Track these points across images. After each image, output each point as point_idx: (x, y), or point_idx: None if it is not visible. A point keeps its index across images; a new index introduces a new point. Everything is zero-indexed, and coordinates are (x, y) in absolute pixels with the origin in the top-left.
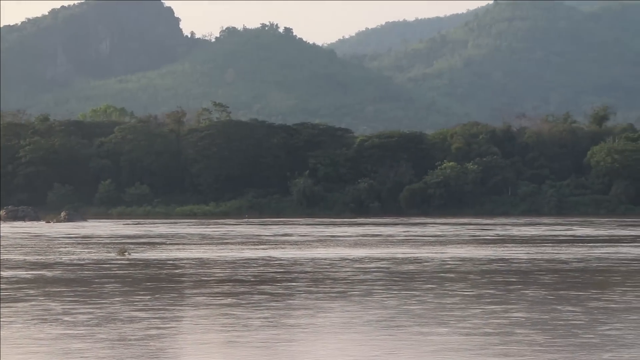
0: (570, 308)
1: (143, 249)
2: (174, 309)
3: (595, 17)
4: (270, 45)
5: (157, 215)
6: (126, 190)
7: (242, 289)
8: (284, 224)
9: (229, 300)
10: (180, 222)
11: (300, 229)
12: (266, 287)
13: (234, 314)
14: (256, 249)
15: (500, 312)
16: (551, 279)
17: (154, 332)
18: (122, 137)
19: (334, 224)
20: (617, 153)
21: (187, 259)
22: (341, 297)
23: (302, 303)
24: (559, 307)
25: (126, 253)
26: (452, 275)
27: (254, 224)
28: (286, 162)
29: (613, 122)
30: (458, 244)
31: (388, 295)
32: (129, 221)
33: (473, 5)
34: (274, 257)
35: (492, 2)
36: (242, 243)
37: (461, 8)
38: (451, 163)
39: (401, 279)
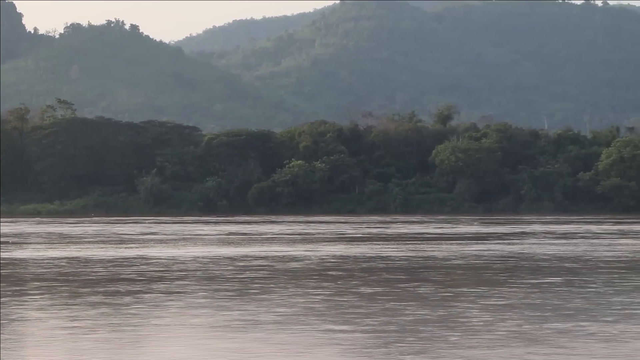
0: (468, 305)
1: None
2: (76, 308)
3: (439, 18)
4: (116, 42)
5: None
6: None
7: (137, 288)
8: (135, 222)
9: (127, 299)
10: (25, 221)
11: (161, 227)
12: (160, 286)
13: (138, 314)
14: (129, 247)
15: (401, 310)
16: (438, 275)
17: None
18: None
19: (192, 222)
20: (461, 152)
21: (66, 257)
22: (241, 295)
23: (203, 302)
24: (456, 304)
25: None
26: (339, 273)
27: (105, 222)
28: (133, 160)
29: (457, 121)
30: (326, 241)
31: (287, 294)
32: None
33: (320, 5)
34: (153, 256)
35: (338, 1)
36: (107, 242)
37: (308, 7)
38: (299, 161)
39: (290, 277)
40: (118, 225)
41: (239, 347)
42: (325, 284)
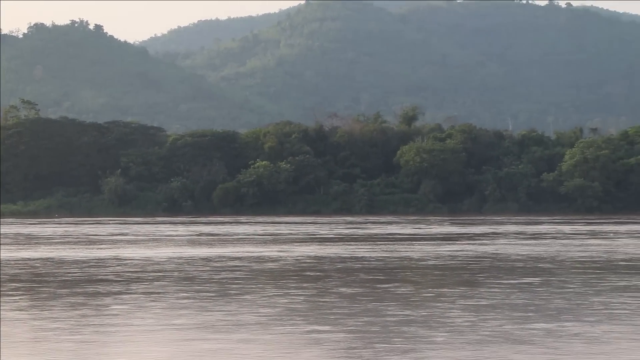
0: (450, 305)
1: None
2: (57, 309)
3: (404, 19)
4: (81, 42)
5: None
6: None
7: (117, 289)
8: (99, 223)
9: (108, 300)
10: None
11: (129, 228)
12: (140, 287)
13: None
14: (100, 248)
15: (383, 310)
16: (416, 276)
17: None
18: None
19: (160, 223)
20: (426, 152)
21: (39, 258)
22: (222, 296)
23: (185, 303)
24: (438, 305)
25: None
26: (317, 273)
27: (71, 223)
28: (97, 160)
29: (422, 122)
30: (299, 242)
31: (268, 294)
32: None
33: (285, 5)
34: (127, 257)
35: (303, 2)
36: (77, 243)
37: (273, 8)
38: (264, 162)
39: (268, 277)
40: (84, 226)
41: (224, 347)
42: (305, 285)
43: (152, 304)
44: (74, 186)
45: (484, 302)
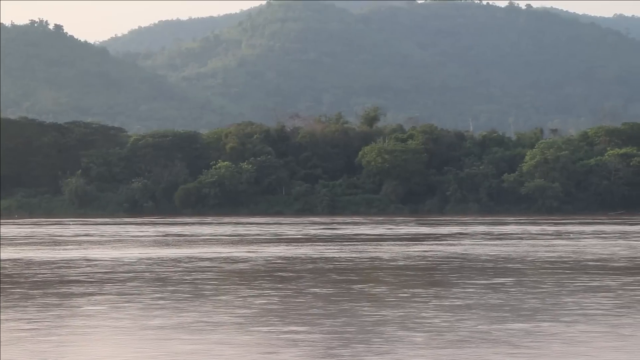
0: (426, 306)
1: None
2: (31, 310)
3: (366, 20)
4: (40, 42)
5: None
6: None
7: (90, 290)
8: (60, 224)
9: (82, 301)
10: None
11: (93, 228)
12: (113, 288)
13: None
14: (66, 249)
15: (359, 311)
16: (389, 277)
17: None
18: None
19: (124, 224)
20: (387, 153)
21: (7, 259)
22: (197, 297)
23: (162, 304)
24: (414, 305)
25: None
26: (289, 274)
27: (32, 224)
28: (57, 161)
29: (383, 122)
30: (266, 243)
31: (243, 295)
32: None
33: (246, 6)
34: (95, 258)
35: (264, 2)
36: (42, 244)
37: (234, 8)
38: (226, 163)
39: (240, 278)
40: (47, 227)
41: (203, 349)
42: (279, 285)
43: (127, 304)
44: (34, 187)
45: (459, 303)
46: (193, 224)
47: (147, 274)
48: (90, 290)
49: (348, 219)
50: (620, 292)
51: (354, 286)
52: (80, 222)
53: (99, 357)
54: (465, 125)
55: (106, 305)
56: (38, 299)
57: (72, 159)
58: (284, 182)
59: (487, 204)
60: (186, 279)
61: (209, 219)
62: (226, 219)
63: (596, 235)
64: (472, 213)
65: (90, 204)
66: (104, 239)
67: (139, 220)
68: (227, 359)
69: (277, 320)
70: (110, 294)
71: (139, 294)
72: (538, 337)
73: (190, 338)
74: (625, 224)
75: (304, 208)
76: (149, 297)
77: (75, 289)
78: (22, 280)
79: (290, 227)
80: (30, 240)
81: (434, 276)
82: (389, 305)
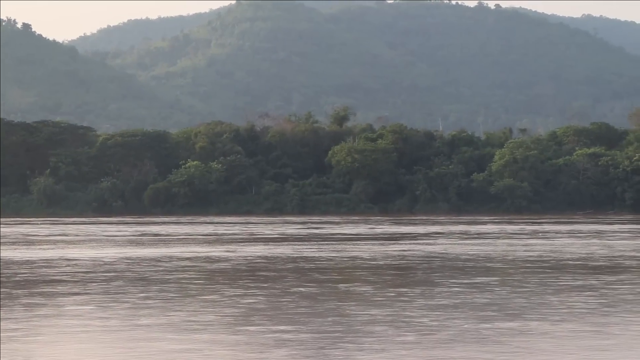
0: (413, 305)
1: None
2: (16, 310)
3: (335, 19)
4: (8, 41)
5: None
6: None
7: (75, 290)
8: (31, 223)
9: (67, 300)
10: None
11: (65, 228)
12: (97, 288)
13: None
14: (43, 249)
15: (346, 310)
16: (372, 276)
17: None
18: None
19: (96, 223)
20: (357, 153)
21: None
22: (183, 297)
23: (149, 303)
24: (401, 304)
25: None
26: (272, 273)
27: (4, 223)
28: (26, 160)
29: (353, 122)
30: (243, 242)
31: (228, 294)
32: None
33: (215, 5)
34: (74, 257)
35: (234, 2)
36: (17, 243)
37: (204, 7)
38: (195, 162)
39: (223, 277)
40: (18, 226)
41: (192, 348)
42: (264, 285)
43: (114, 304)
44: (2, 186)
45: (445, 302)
46: (166, 223)
47: (128, 274)
48: (75, 290)
49: (322, 218)
50: (604, 290)
51: (339, 285)
52: (50, 222)
53: (89, 357)
54: (435, 124)
55: (93, 305)
56: (23, 299)
57: (40, 159)
58: (254, 182)
59: (456, 203)
60: (169, 279)
61: (182, 219)
62: (200, 219)
63: (572, 234)
64: (441, 212)
65: (59, 204)
66: (79, 238)
67: (112, 219)
68: (220, 358)
69: (265, 320)
70: (96, 293)
71: (124, 294)
72: (528, 336)
73: (180, 337)
74: (598, 223)
75: (274, 207)
76: (135, 297)
77: (59, 288)
78: (4, 279)
79: (264, 226)
80: (5, 240)
81: (417, 275)
82: (375, 305)
